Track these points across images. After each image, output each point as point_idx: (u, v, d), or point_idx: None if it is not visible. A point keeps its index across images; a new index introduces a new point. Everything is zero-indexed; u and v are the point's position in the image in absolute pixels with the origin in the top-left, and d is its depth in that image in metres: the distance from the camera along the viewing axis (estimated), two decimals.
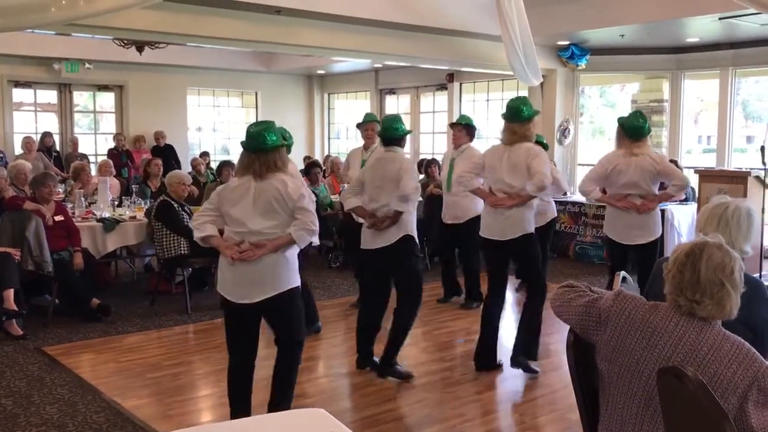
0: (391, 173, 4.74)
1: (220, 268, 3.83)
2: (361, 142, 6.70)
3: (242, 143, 3.80)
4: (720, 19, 7.86)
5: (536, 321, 4.95)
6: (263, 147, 3.69)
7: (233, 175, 8.05)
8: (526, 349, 4.94)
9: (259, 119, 14.20)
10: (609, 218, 5.58)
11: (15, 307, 5.65)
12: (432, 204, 8.28)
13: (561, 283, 2.46)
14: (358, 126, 6.65)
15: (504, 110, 4.95)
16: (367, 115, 6.72)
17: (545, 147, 7.35)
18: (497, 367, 5.02)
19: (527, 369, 4.91)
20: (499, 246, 4.90)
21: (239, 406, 3.86)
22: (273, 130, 3.76)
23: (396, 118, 5.09)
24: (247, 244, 3.69)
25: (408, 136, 5.16)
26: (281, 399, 3.89)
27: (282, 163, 3.78)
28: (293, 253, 3.80)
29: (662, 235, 8.20)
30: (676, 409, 1.99)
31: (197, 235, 3.75)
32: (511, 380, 4.95)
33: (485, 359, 5.01)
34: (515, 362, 4.91)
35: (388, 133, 4.90)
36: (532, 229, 4.87)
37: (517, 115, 4.83)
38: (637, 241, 5.39)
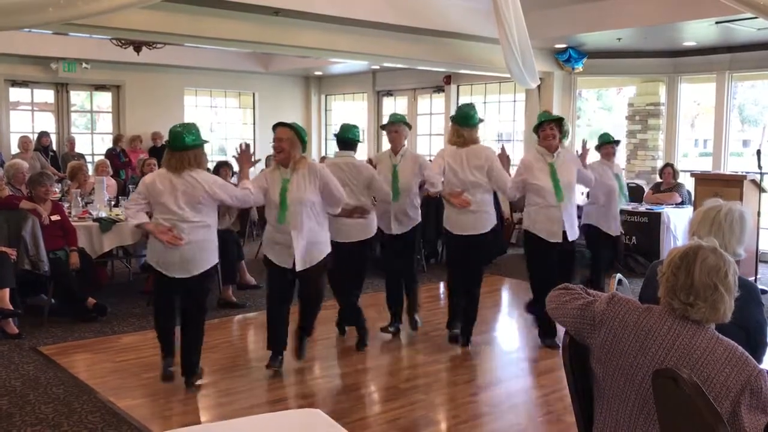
0: (364, 178, 5.40)
1: (155, 247, 4.50)
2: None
3: (166, 142, 4.66)
4: (717, 23, 7.88)
5: (474, 308, 5.60)
6: (181, 146, 4.43)
7: (229, 176, 8.08)
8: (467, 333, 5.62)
9: (257, 120, 14.27)
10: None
11: (11, 307, 5.64)
12: (429, 206, 8.30)
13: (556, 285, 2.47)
14: (383, 127, 6.17)
15: (457, 114, 5.50)
16: (393, 115, 6.12)
17: (617, 142, 7.34)
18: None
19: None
20: (469, 240, 5.43)
21: (170, 346, 4.72)
22: (192, 131, 4.51)
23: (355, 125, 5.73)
24: (177, 231, 4.40)
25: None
26: (195, 359, 4.70)
27: (197, 160, 4.49)
28: (215, 237, 4.63)
29: (658, 237, 8.35)
30: (670, 411, 1.99)
31: (133, 222, 4.52)
32: (506, 382, 4.97)
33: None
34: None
35: (348, 136, 5.49)
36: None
37: (469, 120, 5.38)
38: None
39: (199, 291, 4.63)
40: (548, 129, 5.48)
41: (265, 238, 4.95)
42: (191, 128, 4.56)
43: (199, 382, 4.70)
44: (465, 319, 5.63)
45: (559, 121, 5.57)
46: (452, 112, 12.68)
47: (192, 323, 4.65)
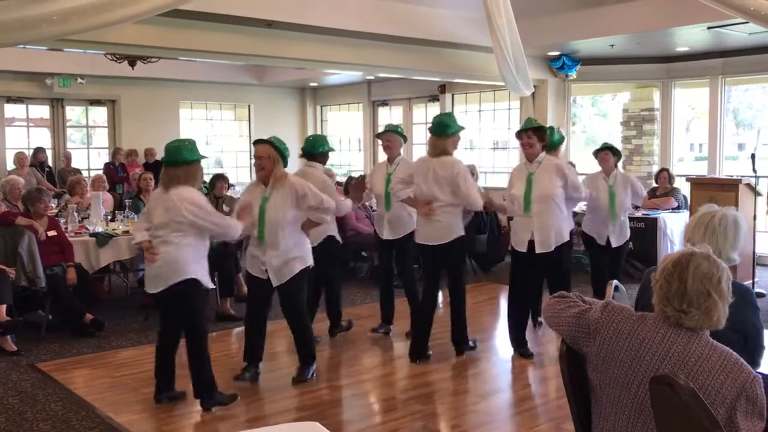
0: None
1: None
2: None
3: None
4: (709, 28, 7.93)
5: (464, 315, 5.55)
6: (171, 161, 4.42)
7: (225, 189, 8.09)
8: (461, 339, 5.58)
9: (253, 132, 14.29)
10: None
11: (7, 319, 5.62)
12: None
13: (553, 294, 2.48)
14: (378, 136, 6.42)
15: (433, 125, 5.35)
16: (387, 125, 6.26)
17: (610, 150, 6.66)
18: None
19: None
20: (433, 250, 5.31)
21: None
22: (184, 147, 4.49)
23: (321, 138, 5.84)
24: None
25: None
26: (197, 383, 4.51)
27: (184, 177, 4.41)
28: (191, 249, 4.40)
29: (655, 243, 8.35)
30: (668, 418, 2.00)
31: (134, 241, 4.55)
32: (506, 391, 4.97)
33: (421, 351, 5.48)
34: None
35: (311, 149, 5.54)
36: (462, 233, 5.33)
37: (442, 130, 5.22)
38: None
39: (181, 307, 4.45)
40: (525, 138, 5.40)
41: (247, 250, 5.05)
42: (184, 143, 4.54)
43: (216, 409, 4.48)
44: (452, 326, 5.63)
45: (537, 129, 5.42)
46: None
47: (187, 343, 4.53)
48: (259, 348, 5.02)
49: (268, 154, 4.74)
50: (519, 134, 5.50)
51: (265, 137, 4.89)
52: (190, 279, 4.35)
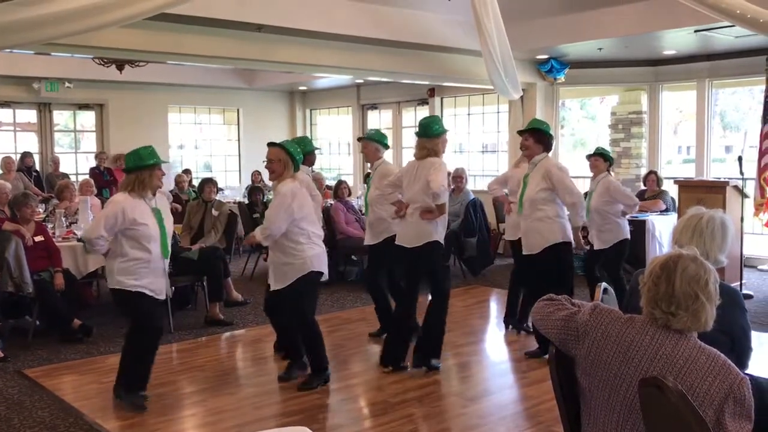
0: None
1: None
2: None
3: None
4: (695, 32, 7.97)
5: (440, 324, 5.23)
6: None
7: (214, 193, 8.07)
8: (431, 350, 5.23)
9: (242, 136, 14.26)
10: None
11: None
12: None
13: (542, 297, 2.48)
14: (358, 140, 6.60)
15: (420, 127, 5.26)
16: (366, 132, 6.49)
17: (600, 155, 6.66)
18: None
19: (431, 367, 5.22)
20: (408, 252, 5.16)
21: None
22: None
23: (305, 138, 5.80)
24: None
25: (384, 150, 5.87)
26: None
27: (127, 183, 4.56)
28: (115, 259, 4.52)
29: (643, 245, 8.37)
30: (657, 420, 2.00)
31: None
32: (496, 393, 4.97)
33: (391, 357, 5.30)
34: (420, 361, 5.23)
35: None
36: (436, 237, 5.08)
37: (428, 131, 5.13)
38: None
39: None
40: (522, 139, 5.49)
41: None
42: (134, 151, 4.56)
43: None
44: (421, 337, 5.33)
45: (534, 131, 5.42)
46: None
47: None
48: (285, 342, 5.27)
49: (278, 158, 4.73)
50: (519, 133, 5.62)
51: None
52: (112, 289, 4.58)
